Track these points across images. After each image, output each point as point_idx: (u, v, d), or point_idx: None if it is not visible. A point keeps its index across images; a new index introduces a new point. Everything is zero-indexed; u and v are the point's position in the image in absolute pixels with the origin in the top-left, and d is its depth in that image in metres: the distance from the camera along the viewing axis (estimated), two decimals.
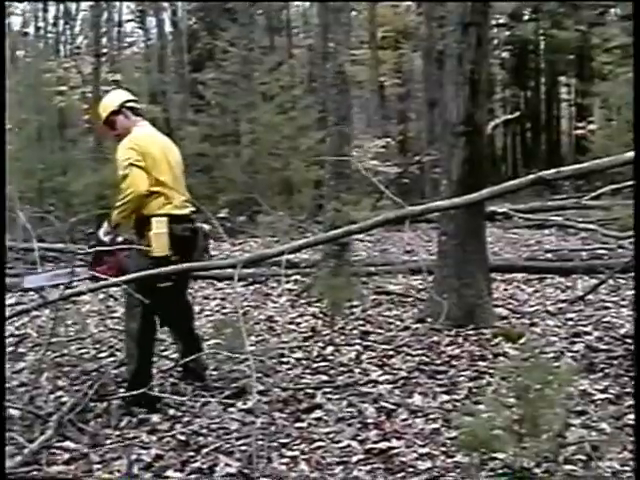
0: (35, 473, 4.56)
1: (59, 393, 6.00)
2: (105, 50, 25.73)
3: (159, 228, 5.58)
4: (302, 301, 9.22)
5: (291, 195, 18.25)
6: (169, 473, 4.55)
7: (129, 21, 33.08)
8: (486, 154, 8.25)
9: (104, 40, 25.80)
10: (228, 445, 4.89)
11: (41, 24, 29.83)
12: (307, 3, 32.37)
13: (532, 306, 8.45)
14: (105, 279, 5.44)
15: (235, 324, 6.11)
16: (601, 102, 22.35)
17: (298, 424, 5.22)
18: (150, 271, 5.21)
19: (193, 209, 5.95)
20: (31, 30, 31.19)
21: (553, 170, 4.49)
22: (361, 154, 19.15)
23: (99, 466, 4.68)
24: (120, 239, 5.72)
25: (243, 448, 4.82)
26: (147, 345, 5.77)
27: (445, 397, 5.58)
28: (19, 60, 29.68)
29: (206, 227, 5.98)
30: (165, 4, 27.34)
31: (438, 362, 6.46)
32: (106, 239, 5.74)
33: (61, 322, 6.21)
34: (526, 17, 31.85)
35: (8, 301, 8.36)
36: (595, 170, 4.53)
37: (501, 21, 31.01)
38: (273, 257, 5.36)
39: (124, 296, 5.84)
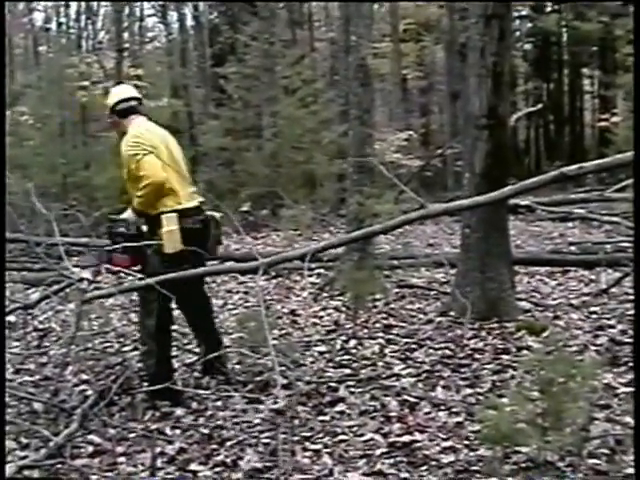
0: (60, 466, 4.59)
1: (83, 387, 6.04)
2: (127, 45, 25.82)
3: (170, 225, 5.57)
4: (325, 294, 9.22)
5: (313, 189, 18.27)
6: (193, 466, 4.58)
7: (151, 16, 33.23)
8: (509, 147, 8.21)
9: (126, 35, 25.90)
10: (252, 439, 4.91)
11: (63, 20, 29.97)
12: None
13: (556, 299, 8.42)
14: (126, 273, 5.51)
15: (258, 318, 6.11)
16: (624, 94, 22.23)
17: (321, 417, 5.22)
18: (173, 274, 5.26)
19: (202, 199, 5.97)
20: (53, 26, 31.35)
21: (575, 166, 4.47)
22: (384, 147, 19.14)
23: (123, 459, 4.71)
24: (144, 228, 5.73)
25: (266, 441, 4.84)
26: (165, 340, 5.80)
27: (468, 390, 5.57)
28: (41, 56, 29.84)
29: (217, 215, 5.98)
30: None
31: (461, 355, 6.45)
32: (131, 227, 5.74)
33: (85, 316, 6.23)
34: (548, 9, 31.70)
35: (33, 296, 8.41)
36: (618, 165, 4.50)
37: (523, 13, 30.90)
38: (295, 259, 5.40)
39: (139, 292, 5.86)
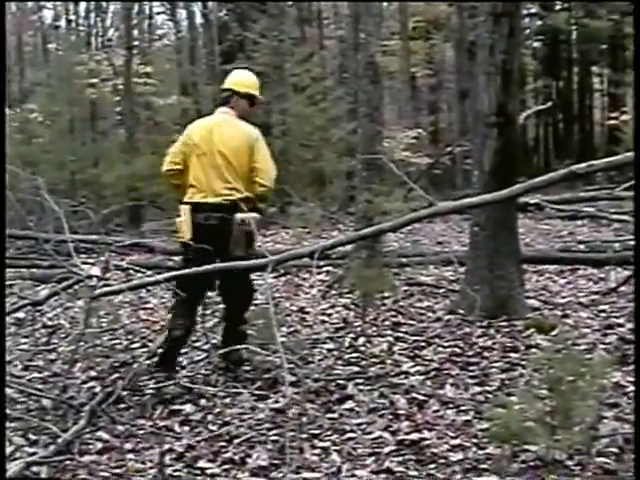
0: (68, 462, 4.59)
1: (92, 383, 6.05)
2: (136, 42, 25.84)
3: (182, 215, 5.84)
4: (334, 292, 9.21)
5: (323, 186, 18.27)
6: (201, 463, 4.57)
7: (160, 13, 33.28)
8: (518, 145, 8.19)
9: (135, 32, 25.89)
10: (260, 436, 4.91)
11: (72, 17, 30.04)
12: None
13: (564, 297, 8.39)
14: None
15: (266, 315, 6.11)
16: (634, 92, 22.16)
17: (329, 415, 5.21)
18: (176, 272, 5.39)
19: (235, 198, 5.92)
20: (62, 23, 31.42)
21: (585, 164, 4.46)
22: (393, 145, 19.13)
23: (131, 456, 4.71)
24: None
25: (275, 439, 4.83)
26: (174, 313, 5.95)
27: (477, 389, 5.55)
28: (51, 53, 29.90)
29: (247, 216, 5.90)
30: None
31: (470, 353, 6.44)
32: None
33: (94, 313, 6.24)
34: (558, 6, 31.64)
35: (42, 292, 8.42)
36: (628, 163, 4.49)
37: (533, 11, 30.84)
38: (304, 257, 5.41)
39: None
